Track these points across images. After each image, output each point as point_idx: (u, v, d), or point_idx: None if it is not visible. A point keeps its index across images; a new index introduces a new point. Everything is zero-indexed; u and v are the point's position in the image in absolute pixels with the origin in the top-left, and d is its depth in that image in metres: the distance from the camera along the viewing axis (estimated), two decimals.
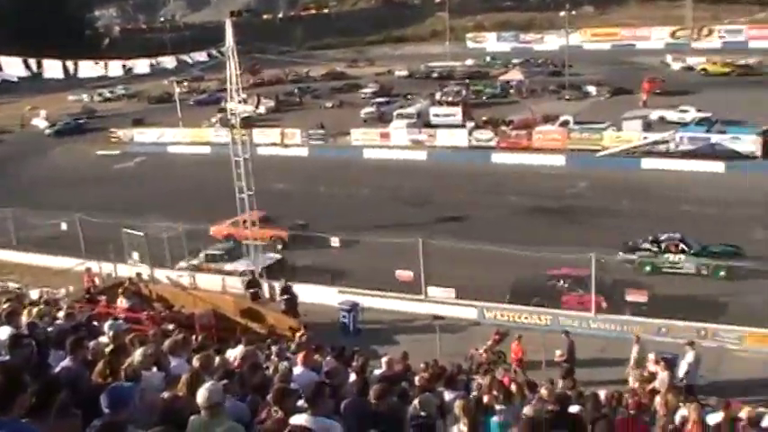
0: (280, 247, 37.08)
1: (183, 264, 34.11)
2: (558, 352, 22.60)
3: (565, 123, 56.67)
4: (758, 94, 68.05)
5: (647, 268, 30.92)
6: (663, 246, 31.43)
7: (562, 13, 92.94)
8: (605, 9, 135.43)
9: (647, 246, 31.95)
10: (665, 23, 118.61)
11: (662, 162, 48.42)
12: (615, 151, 51.19)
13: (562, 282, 28.56)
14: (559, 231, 35.62)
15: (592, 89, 75.94)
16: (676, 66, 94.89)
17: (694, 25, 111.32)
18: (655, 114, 60.14)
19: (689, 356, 20.99)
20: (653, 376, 20.31)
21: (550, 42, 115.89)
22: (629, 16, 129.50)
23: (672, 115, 59.49)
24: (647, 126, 54.49)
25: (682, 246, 31.10)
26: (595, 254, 26.09)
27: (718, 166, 46.68)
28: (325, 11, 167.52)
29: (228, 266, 34.05)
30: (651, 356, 21.07)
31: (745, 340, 24.78)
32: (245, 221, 35.09)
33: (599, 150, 52.02)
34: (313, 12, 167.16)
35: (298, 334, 22.43)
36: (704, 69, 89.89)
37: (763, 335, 24.63)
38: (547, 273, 29.19)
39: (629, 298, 26.83)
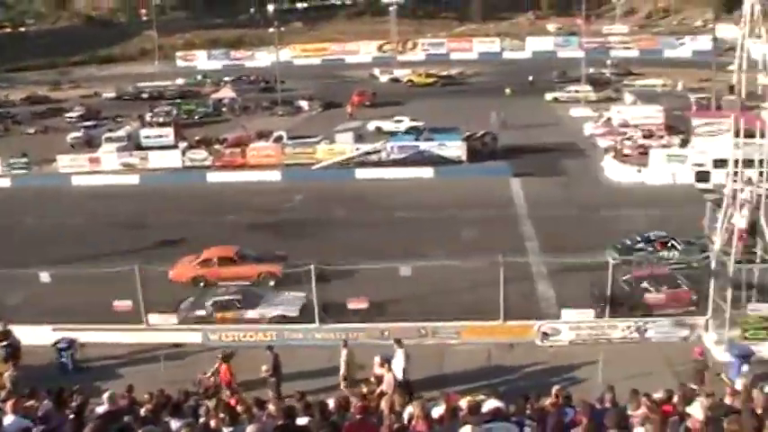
0: (272, 284, 31.58)
1: (184, 314, 28.26)
2: (263, 367, 22.40)
3: (279, 139, 56.94)
4: (461, 102, 72.46)
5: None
6: (655, 244, 32.15)
7: (272, 30, 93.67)
8: (314, 25, 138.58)
9: (641, 246, 32.29)
10: (372, 38, 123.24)
11: (375, 171, 49.93)
12: (329, 164, 52.12)
13: (647, 283, 27.60)
14: (279, 245, 35.52)
15: (304, 104, 77.39)
16: (384, 78, 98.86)
17: (399, 39, 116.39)
18: (372, 125, 62.36)
19: (398, 355, 21.63)
20: (380, 379, 20.69)
21: (262, 59, 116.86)
22: (337, 32, 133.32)
23: (388, 125, 61.97)
24: (359, 137, 56.05)
25: (671, 242, 32.03)
26: (314, 266, 26.22)
27: (427, 172, 48.99)
28: (22, 29, 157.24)
29: (251, 314, 27.93)
30: (377, 359, 21.42)
31: (463, 334, 26.02)
32: (221, 259, 31.66)
33: (313, 164, 52.73)
34: (8, 30, 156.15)
35: (6, 374, 20.71)
36: (411, 81, 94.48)
37: (477, 327, 26.00)
38: (631, 275, 28.19)
39: (350, 306, 27.16)
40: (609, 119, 58.55)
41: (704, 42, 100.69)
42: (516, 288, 27.53)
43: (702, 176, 45.37)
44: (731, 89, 26.64)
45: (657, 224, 35.85)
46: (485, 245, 31.72)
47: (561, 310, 26.52)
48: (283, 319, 27.50)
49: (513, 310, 26.09)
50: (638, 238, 32.87)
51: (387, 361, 21.09)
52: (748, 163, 25.03)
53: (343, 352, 22.43)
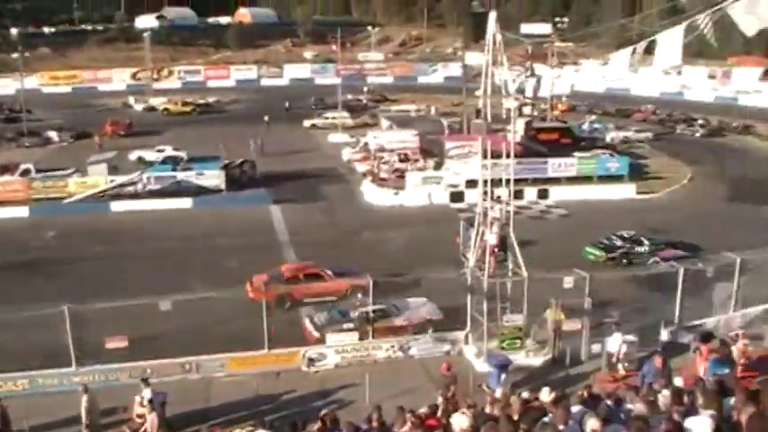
0: (360, 296, 29.71)
1: (327, 330, 27.02)
2: None
3: (26, 173, 53.56)
4: (219, 130, 71.57)
5: (624, 261, 36.00)
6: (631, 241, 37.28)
7: (16, 55, 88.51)
8: (64, 51, 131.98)
9: (620, 243, 37.14)
10: (126, 65, 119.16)
11: (132, 203, 47.96)
12: (82, 197, 49.52)
13: None
14: (32, 287, 33.29)
15: (53, 134, 73.15)
16: (139, 107, 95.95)
17: (154, 66, 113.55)
18: (134, 155, 60.36)
19: (146, 393, 20.92)
20: (143, 418, 19.95)
21: (5, 86, 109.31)
22: (89, 58, 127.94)
23: (150, 155, 59.95)
24: (113, 169, 53.77)
25: (640, 239, 37.33)
26: (68, 307, 24.74)
27: (185, 203, 47.86)
28: None
29: (398, 321, 27.69)
30: (137, 399, 20.68)
31: (228, 366, 25.51)
32: (308, 275, 31.32)
33: (65, 198, 49.95)
34: None
35: None
36: (166, 109, 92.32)
37: (243, 358, 25.60)
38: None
39: (108, 345, 25.89)
40: (366, 144, 59.82)
41: (455, 69, 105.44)
42: (281, 315, 27.49)
43: (457, 196, 47.50)
44: (478, 113, 27.96)
45: (416, 244, 37.10)
46: (247, 274, 31.49)
47: (326, 335, 26.64)
48: (428, 324, 27.74)
49: (278, 337, 25.95)
50: (614, 237, 37.88)
51: (149, 400, 20.36)
52: (497, 182, 26.38)
53: (84, 398, 21.14)
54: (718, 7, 8.78)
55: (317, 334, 27.20)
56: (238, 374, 25.24)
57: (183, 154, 58.52)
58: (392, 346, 26.49)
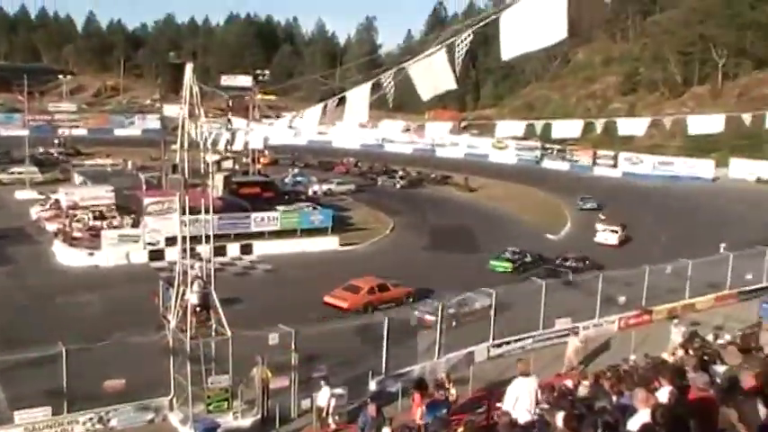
0: (411, 300, 38.00)
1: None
2: None
3: None
4: None
5: (521, 269, 45.26)
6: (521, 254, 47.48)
7: None
8: None
9: (515, 257, 47.03)
10: None
11: None
12: None
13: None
14: None
15: None
16: None
17: None
18: None
19: None
20: None
21: None
22: None
23: None
24: None
25: (525, 252, 47.93)
26: None
27: None
28: None
29: (478, 305, 33.59)
30: None
31: None
32: (380, 286, 37.90)
33: None
34: None
35: None
36: None
37: None
38: None
39: None
40: (57, 201, 56.53)
41: (153, 121, 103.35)
42: None
43: (156, 255, 46.05)
44: (174, 168, 27.25)
45: (114, 306, 35.51)
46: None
47: (14, 412, 24.28)
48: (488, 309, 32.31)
49: None
50: (507, 252, 47.73)
51: None
52: (198, 239, 25.69)
53: None
54: (400, 67, 8.83)
55: (434, 318, 31.01)
56: None
57: None
58: (90, 419, 24.73)
